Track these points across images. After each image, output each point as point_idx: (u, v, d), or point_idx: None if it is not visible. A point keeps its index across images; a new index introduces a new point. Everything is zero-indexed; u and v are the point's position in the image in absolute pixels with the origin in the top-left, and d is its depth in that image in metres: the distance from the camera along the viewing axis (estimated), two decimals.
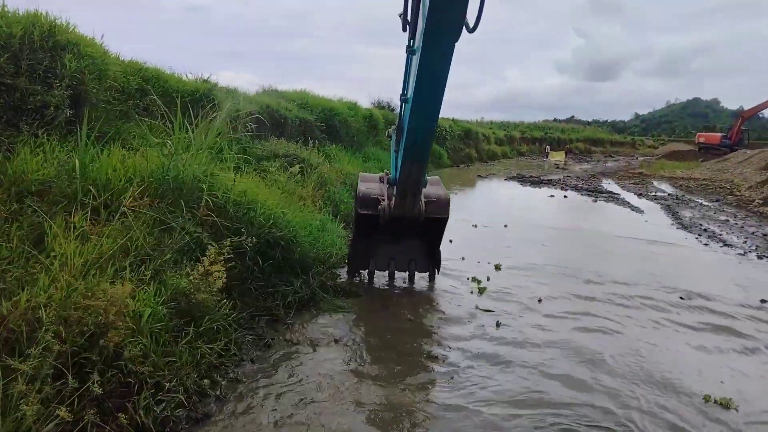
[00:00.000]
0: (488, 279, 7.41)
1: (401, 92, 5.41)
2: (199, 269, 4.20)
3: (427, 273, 7.11)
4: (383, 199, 6.14)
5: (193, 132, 6.23)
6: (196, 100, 8.95)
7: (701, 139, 46.41)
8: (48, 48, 5.75)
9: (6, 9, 5.72)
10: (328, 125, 14.94)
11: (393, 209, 5.95)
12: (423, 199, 6.01)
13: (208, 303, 4.30)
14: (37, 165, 4.56)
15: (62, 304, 3.24)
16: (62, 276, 3.45)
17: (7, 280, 3.37)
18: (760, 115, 70.02)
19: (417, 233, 6.79)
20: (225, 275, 4.40)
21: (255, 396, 4.03)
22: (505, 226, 11.71)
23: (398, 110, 5.86)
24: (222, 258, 4.48)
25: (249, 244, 5.13)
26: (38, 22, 5.81)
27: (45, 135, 5.06)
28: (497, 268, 8.07)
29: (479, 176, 25.28)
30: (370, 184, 6.69)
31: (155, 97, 7.32)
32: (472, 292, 6.84)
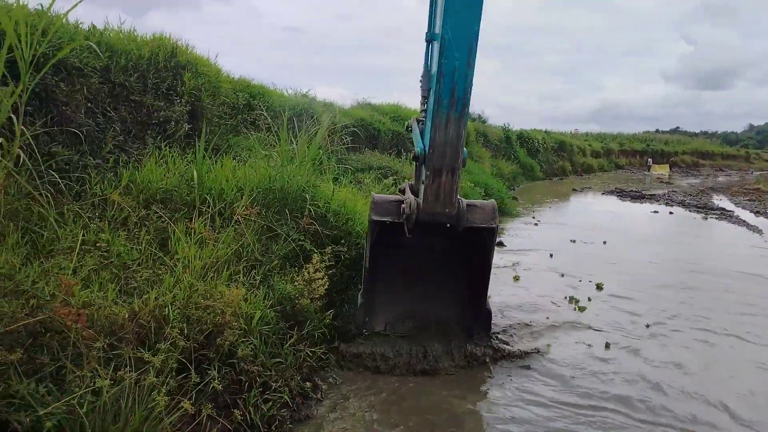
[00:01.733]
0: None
1: (427, 31, 4.41)
2: (303, 275, 4.36)
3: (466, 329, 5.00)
4: (407, 201, 4.38)
5: (296, 144, 6.53)
6: (297, 113, 9.38)
7: None
8: (170, 68, 6.29)
9: (136, 33, 6.33)
10: None
11: (423, 206, 4.25)
12: (464, 203, 4.38)
13: (310, 308, 4.45)
14: (161, 175, 4.98)
15: (185, 304, 3.49)
16: (185, 277, 3.72)
17: (138, 279, 3.69)
18: None
19: (454, 263, 5.16)
20: (327, 282, 4.53)
21: (354, 399, 4.10)
22: (604, 242, 11.13)
23: (433, 64, 4.34)
24: (324, 265, 4.63)
25: (347, 255, 5.27)
26: (163, 45, 6.37)
27: (167, 147, 5.52)
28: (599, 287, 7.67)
29: (574, 189, 24.25)
30: (387, 198, 4.80)
31: (263, 112, 7.75)
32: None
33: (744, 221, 15.36)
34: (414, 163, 4.63)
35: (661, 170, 40.06)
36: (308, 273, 4.38)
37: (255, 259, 4.53)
